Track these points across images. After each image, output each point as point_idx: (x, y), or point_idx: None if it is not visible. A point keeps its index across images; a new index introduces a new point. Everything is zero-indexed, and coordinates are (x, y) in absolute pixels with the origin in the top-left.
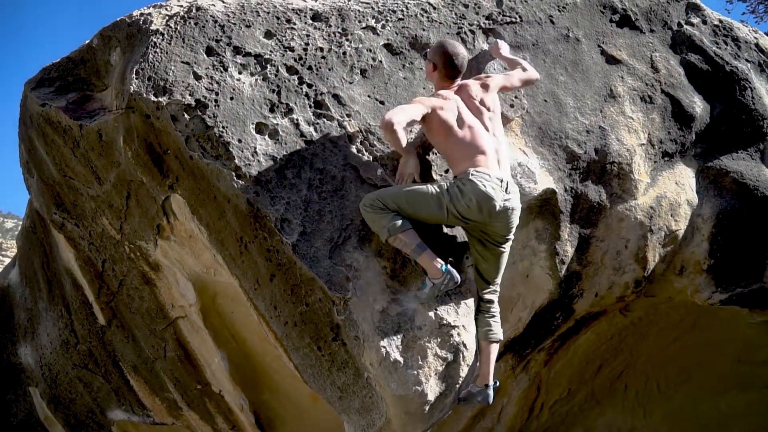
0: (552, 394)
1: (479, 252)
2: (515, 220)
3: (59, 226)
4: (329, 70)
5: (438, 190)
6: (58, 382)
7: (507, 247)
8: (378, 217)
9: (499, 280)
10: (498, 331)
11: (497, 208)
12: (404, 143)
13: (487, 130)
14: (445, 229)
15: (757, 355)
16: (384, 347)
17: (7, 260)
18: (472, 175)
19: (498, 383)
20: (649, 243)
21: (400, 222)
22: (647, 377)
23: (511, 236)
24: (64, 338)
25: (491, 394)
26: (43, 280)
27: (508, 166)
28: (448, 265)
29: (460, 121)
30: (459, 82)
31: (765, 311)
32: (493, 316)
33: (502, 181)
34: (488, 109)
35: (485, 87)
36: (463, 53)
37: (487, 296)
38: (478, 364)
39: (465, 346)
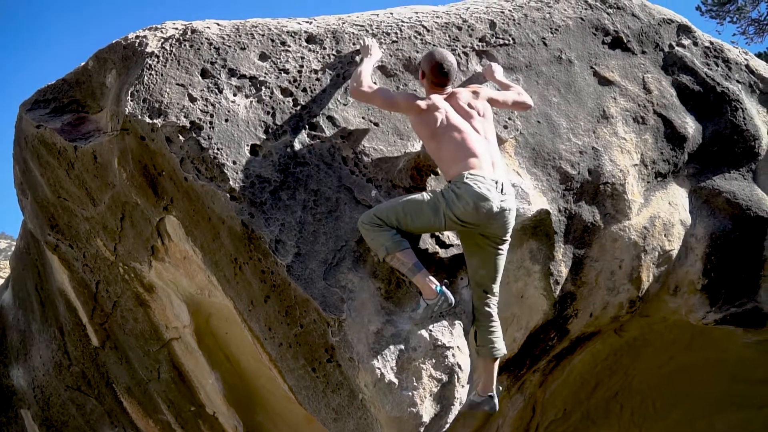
0: (547, 414)
1: (476, 257)
2: (512, 220)
3: (53, 248)
4: (323, 92)
5: (432, 196)
6: (51, 405)
7: (504, 249)
8: (376, 235)
9: (497, 288)
10: (500, 346)
11: (494, 209)
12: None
13: (477, 132)
14: (440, 253)
15: (753, 375)
16: (379, 368)
17: (0, 281)
18: (466, 178)
19: (501, 389)
20: (643, 263)
21: (398, 240)
22: (643, 397)
23: (509, 237)
24: (57, 360)
25: (497, 402)
26: (37, 301)
27: (502, 168)
28: (443, 287)
29: (449, 124)
30: (450, 90)
31: (759, 331)
32: (494, 331)
33: (497, 182)
34: (479, 114)
35: (475, 94)
36: (450, 60)
37: (486, 309)
38: (476, 376)
39: (460, 367)
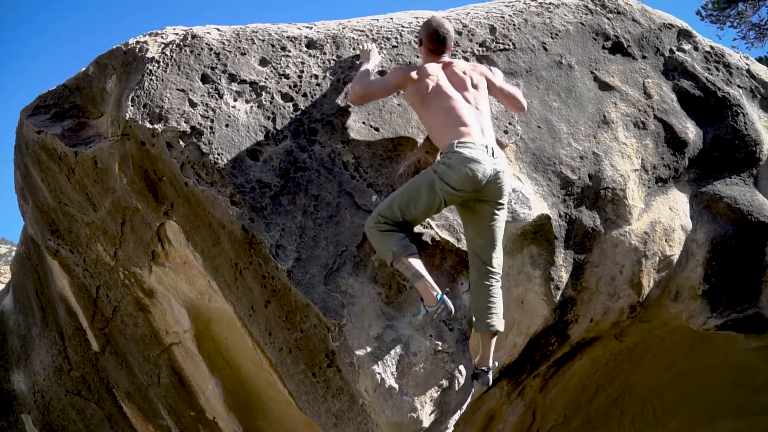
0: (548, 420)
1: (472, 226)
2: (506, 183)
3: (54, 253)
4: (324, 97)
5: (425, 175)
6: (51, 409)
7: (501, 215)
8: (383, 240)
9: (497, 262)
10: (497, 322)
11: (488, 171)
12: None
13: (468, 102)
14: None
15: (753, 381)
16: (379, 373)
17: (1, 286)
18: (456, 146)
19: (497, 363)
20: (643, 268)
21: (405, 245)
22: (643, 403)
23: (504, 202)
24: (57, 365)
25: (491, 377)
26: (37, 306)
27: (492, 136)
28: (444, 296)
29: (440, 91)
30: (446, 58)
31: (760, 336)
32: (492, 307)
33: (486, 147)
34: (472, 84)
35: (474, 68)
36: (447, 28)
37: (485, 283)
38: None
39: (460, 372)
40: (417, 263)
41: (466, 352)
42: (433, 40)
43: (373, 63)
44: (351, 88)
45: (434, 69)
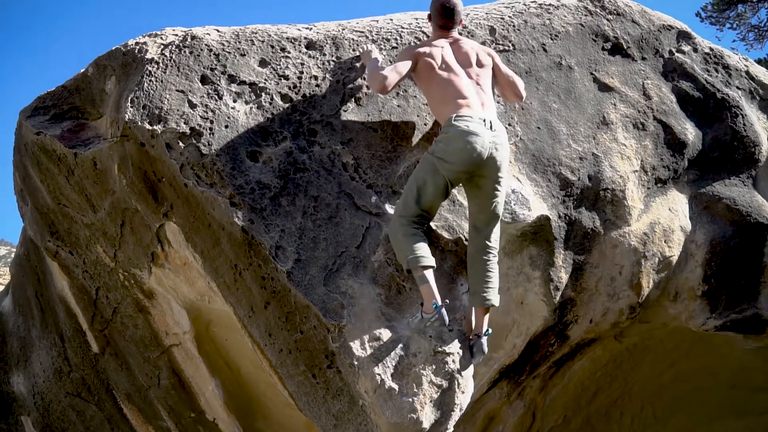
0: (547, 420)
1: (475, 201)
2: (505, 155)
3: (53, 254)
4: (323, 98)
5: (425, 162)
6: (51, 411)
7: (501, 189)
8: (404, 246)
9: (494, 237)
10: (493, 296)
11: (487, 143)
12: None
13: (470, 77)
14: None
15: (753, 381)
16: (379, 374)
17: (0, 288)
18: (454, 120)
19: (491, 331)
20: (643, 269)
21: (419, 257)
22: (643, 403)
23: (504, 174)
24: (57, 366)
25: (484, 342)
26: (37, 308)
27: (493, 110)
28: (443, 308)
29: (443, 65)
30: (455, 34)
31: (759, 337)
32: (489, 282)
33: (485, 120)
34: (479, 64)
35: (482, 48)
36: (455, 2)
37: (483, 257)
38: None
39: (460, 373)
40: (428, 272)
41: (465, 352)
42: (442, 14)
43: (379, 58)
44: (371, 80)
45: (441, 44)
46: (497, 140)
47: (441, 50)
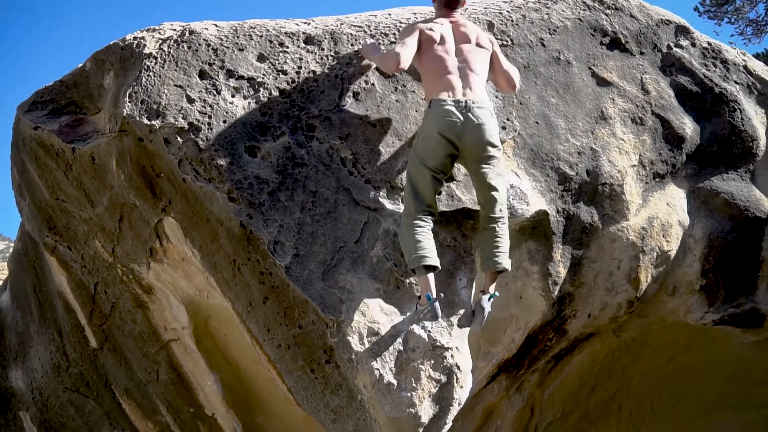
0: (546, 415)
1: (475, 179)
2: (489, 130)
3: (51, 249)
4: (321, 93)
5: (411, 163)
6: (49, 406)
7: (493, 164)
8: (410, 245)
9: (499, 207)
10: (503, 260)
11: (458, 126)
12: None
13: (462, 57)
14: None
15: (751, 375)
16: (377, 369)
17: None
18: (430, 106)
19: (498, 294)
20: (641, 264)
21: (422, 257)
22: (641, 398)
23: (492, 152)
24: (55, 361)
25: (486, 299)
26: (35, 303)
27: (480, 91)
28: (436, 300)
29: (439, 44)
30: (458, 15)
31: (757, 331)
32: (499, 247)
33: (459, 102)
34: (477, 44)
35: (484, 33)
36: None
37: (491, 225)
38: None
39: (458, 367)
40: (428, 271)
41: (464, 347)
42: None
43: (376, 43)
44: (384, 61)
45: (442, 21)
46: (475, 120)
47: (441, 27)
